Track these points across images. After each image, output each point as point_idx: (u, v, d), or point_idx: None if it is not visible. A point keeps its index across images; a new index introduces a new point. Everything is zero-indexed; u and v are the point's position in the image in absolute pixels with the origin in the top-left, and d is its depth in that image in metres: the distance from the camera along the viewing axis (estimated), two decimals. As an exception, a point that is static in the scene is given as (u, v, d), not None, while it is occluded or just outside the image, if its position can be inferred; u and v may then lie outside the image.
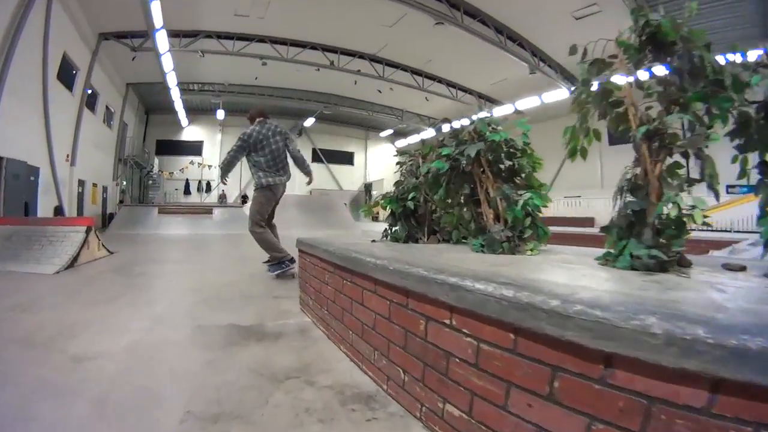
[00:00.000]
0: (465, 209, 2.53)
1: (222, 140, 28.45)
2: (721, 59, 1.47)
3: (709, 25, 12.84)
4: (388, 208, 2.96)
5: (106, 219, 18.41)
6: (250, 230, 4.73)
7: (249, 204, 18.40)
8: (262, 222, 4.73)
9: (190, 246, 9.18)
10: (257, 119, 4.87)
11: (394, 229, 2.98)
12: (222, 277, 4.78)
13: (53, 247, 5.85)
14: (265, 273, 4.84)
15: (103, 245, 6.47)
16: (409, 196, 2.81)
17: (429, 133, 29.02)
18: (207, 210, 14.65)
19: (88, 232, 5.86)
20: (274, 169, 4.76)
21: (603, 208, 16.11)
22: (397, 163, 3.15)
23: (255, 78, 20.93)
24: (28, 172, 11.51)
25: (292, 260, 4.61)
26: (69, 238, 5.90)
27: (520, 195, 2.24)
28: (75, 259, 5.61)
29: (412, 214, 2.88)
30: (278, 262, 4.68)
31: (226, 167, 4.83)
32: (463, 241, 2.64)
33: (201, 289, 4.06)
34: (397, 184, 3.05)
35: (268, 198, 4.76)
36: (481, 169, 2.32)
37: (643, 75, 1.62)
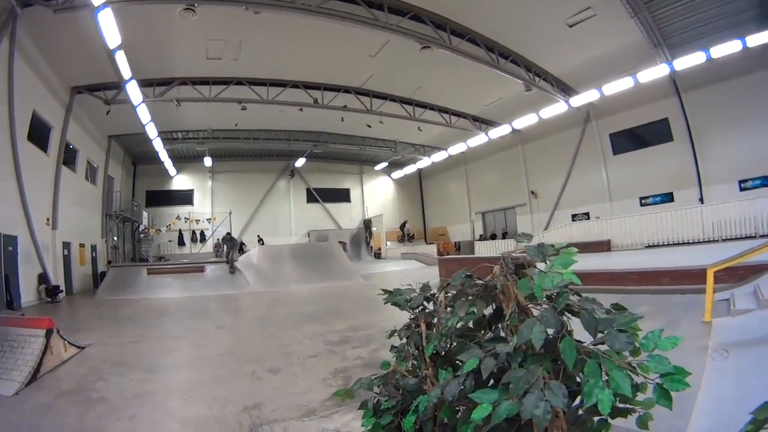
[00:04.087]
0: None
1: (212, 187, 27.60)
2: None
3: (702, 17, 12.40)
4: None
5: (98, 279, 17.69)
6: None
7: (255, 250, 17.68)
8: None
9: (178, 324, 8.39)
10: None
11: None
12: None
13: (14, 355, 5.09)
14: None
15: (70, 343, 5.61)
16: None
17: (425, 162, 27.89)
18: (198, 268, 13.75)
19: (48, 336, 5.01)
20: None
21: (619, 228, 14.90)
22: (384, 363, 2.17)
23: (235, 124, 20.15)
24: (4, 243, 10.74)
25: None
26: (29, 343, 5.08)
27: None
28: (37, 369, 4.82)
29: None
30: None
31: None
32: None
33: None
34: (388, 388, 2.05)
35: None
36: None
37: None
